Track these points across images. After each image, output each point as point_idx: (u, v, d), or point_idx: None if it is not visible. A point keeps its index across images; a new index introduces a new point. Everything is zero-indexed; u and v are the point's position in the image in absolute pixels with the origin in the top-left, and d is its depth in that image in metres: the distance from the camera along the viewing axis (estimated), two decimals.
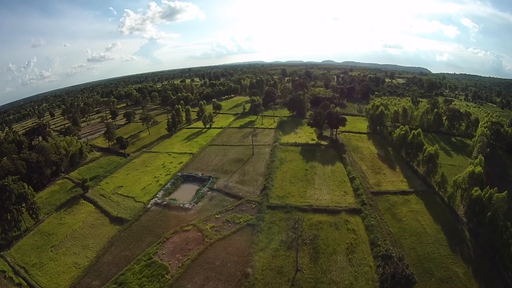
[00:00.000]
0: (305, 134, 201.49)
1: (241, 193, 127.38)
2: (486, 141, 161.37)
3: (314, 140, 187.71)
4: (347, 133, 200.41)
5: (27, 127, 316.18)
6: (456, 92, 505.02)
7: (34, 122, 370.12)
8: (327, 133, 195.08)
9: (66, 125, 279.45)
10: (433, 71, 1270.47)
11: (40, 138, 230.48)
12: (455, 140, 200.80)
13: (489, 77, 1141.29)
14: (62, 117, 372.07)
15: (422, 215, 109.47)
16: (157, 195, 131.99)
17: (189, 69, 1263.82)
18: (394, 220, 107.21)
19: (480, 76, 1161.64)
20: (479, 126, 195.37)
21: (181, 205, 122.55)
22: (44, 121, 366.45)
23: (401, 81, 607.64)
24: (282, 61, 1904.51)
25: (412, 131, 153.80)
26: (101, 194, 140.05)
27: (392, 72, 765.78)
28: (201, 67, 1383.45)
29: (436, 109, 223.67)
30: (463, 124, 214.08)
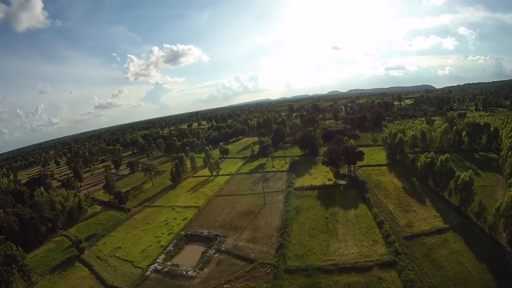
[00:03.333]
0: (321, 174, 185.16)
1: (253, 255, 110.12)
2: None
3: (331, 180, 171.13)
4: (365, 168, 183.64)
5: (32, 175, 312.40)
6: (466, 104, 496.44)
7: (39, 171, 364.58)
8: (344, 170, 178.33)
9: (70, 175, 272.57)
10: (437, 87, 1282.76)
11: (42, 188, 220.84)
12: (478, 156, 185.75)
13: (492, 81, 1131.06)
14: (67, 166, 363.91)
15: (464, 255, 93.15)
16: (158, 259, 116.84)
17: (196, 112, 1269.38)
18: (435, 268, 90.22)
19: (483, 82, 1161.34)
20: (503, 138, 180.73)
21: (184, 272, 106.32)
22: (48, 170, 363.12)
23: (409, 102, 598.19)
24: (288, 97, 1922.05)
25: (440, 157, 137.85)
26: (97, 256, 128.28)
27: (398, 94, 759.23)
28: (208, 110, 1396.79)
29: (455, 127, 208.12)
30: (483, 137, 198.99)
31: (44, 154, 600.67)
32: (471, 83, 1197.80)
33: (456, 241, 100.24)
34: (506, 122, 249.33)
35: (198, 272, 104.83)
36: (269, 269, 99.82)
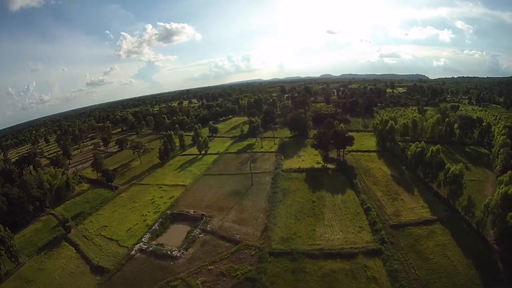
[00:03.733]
0: (309, 157, 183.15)
1: (238, 236, 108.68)
2: (511, 152, 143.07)
3: (319, 163, 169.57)
4: (355, 153, 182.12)
5: (22, 154, 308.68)
6: (459, 97, 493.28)
7: (29, 149, 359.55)
8: (333, 154, 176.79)
9: (59, 153, 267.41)
10: (431, 77, 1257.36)
11: (31, 167, 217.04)
12: (469, 150, 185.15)
13: (488, 77, 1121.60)
14: (56, 144, 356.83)
15: (451, 249, 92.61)
16: (143, 239, 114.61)
17: (188, 90, 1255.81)
18: (421, 260, 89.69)
19: (478, 77, 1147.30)
20: (495, 134, 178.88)
21: (169, 252, 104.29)
22: (38, 148, 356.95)
23: (401, 90, 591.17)
24: (280, 78, 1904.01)
25: (431, 148, 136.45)
26: (84, 235, 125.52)
27: (391, 81, 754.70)
28: (200, 88, 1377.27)
29: (447, 118, 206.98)
30: (475, 131, 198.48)
31: (34, 132, 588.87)
32: (465, 77, 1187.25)
33: (443, 234, 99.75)
34: (499, 119, 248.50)
35: (182, 253, 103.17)
36: (254, 251, 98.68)
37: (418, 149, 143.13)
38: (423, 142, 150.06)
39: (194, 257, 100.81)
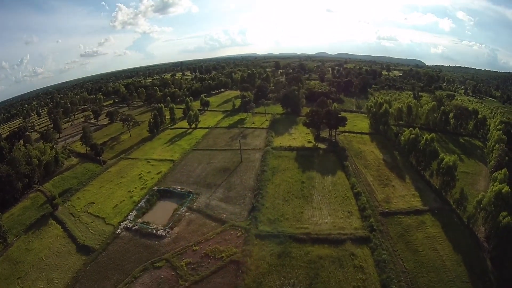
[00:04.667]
0: (301, 135, 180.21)
1: (225, 215, 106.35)
2: (506, 149, 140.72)
3: (311, 142, 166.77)
4: (347, 134, 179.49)
5: (14, 128, 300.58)
6: (456, 86, 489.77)
7: (20, 123, 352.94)
8: (325, 133, 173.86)
9: (50, 126, 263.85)
10: (428, 64, 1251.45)
11: (22, 142, 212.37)
12: (463, 141, 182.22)
13: (485, 70, 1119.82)
14: (48, 117, 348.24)
15: (440, 242, 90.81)
16: (129, 216, 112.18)
17: (181, 62, 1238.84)
18: (409, 252, 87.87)
19: (475, 69, 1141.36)
20: (491, 129, 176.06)
21: (154, 231, 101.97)
22: (30, 122, 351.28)
23: (397, 73, 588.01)
24: (275, 54, 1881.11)
25: (425, 136, 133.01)
26: (70, 213, 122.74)
27: (388, 64, 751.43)
28: (194, 61, 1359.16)
29: (442, 107, 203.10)
30: (470, 123, 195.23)
31: (26, 106, 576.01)
32: (462, 67, 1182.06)
33: (433, 226, 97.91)
34: (495, 113, 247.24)
35: (168, 232, 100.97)
36: (240, 233, 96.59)
37: (412, 135, 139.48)
38: (417, 129, 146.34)
39: (179, 237, 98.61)
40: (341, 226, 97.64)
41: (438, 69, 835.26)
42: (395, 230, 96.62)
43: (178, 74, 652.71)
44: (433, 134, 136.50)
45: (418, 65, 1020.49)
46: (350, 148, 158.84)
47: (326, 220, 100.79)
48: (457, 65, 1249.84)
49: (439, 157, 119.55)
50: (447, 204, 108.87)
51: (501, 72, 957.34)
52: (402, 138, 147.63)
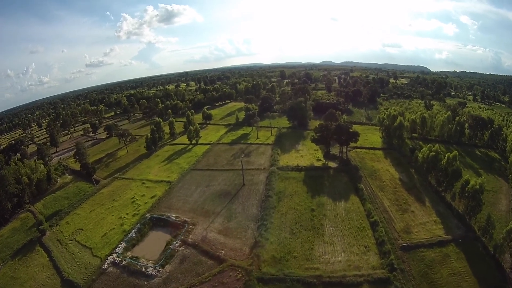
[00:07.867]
0: (309, 152, 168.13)
1: (223, 252, 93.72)
2: None
3: (320, 160, 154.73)
4: (359, 150, 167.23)
5: (14, 139, 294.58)
6: (464, 92, 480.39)
7: (21, 134, 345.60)
8: (335, 150, 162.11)
9: (47, 140, 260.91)
10: (433, 70, 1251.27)
11: (18, 155, 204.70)
12: (479, 153, 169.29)
13: (490, 74, 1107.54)
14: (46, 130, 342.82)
15: (466, 279, 79.52)
16: (118, 248, 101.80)
17: (186, 73, 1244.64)
18: None
19: (480, 73, 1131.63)
20: (509, 139, 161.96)
21: (144, 268, 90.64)
22: (30, 133, 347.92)
23: (404, 81, 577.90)
24: (280, 63, 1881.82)
25: (447, 155, 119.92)
26: (58, 239, 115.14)
27: (394, 71, 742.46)
28: (199, 71, 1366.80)
29: (457, 117, 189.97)
30: (486, 133, 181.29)
31: (29, 116, 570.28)
32: (467, 72, 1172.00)
33: (458, 259, 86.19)
34: (507, 120, 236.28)
35: (158, 270, 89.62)
36: (240, 275, 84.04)
37: (431, 153, 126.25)
38: (437, 145, 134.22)
39: (171, 277, 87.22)
40: (357, 265, 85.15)
41: (444, 75, 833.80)
42: (417, 267, 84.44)
43: (182, 85, 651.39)
44: (455, 152, 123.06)
45: (424, 71, 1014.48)
46: (363, 167, 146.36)
47: (339, 258, 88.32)
48: (462, 70, 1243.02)
49: (464, 178, 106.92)
50: (471, 230, 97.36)
51: (507, 75, 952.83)
52: (420, 155, 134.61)
